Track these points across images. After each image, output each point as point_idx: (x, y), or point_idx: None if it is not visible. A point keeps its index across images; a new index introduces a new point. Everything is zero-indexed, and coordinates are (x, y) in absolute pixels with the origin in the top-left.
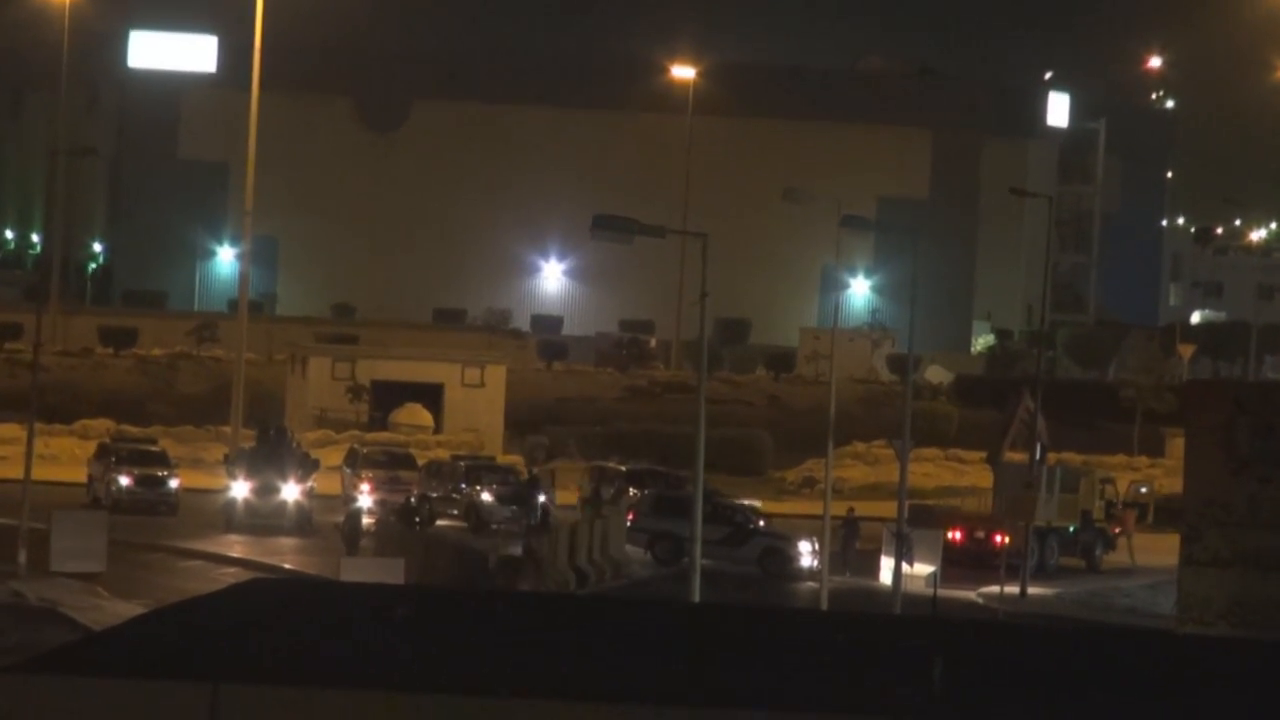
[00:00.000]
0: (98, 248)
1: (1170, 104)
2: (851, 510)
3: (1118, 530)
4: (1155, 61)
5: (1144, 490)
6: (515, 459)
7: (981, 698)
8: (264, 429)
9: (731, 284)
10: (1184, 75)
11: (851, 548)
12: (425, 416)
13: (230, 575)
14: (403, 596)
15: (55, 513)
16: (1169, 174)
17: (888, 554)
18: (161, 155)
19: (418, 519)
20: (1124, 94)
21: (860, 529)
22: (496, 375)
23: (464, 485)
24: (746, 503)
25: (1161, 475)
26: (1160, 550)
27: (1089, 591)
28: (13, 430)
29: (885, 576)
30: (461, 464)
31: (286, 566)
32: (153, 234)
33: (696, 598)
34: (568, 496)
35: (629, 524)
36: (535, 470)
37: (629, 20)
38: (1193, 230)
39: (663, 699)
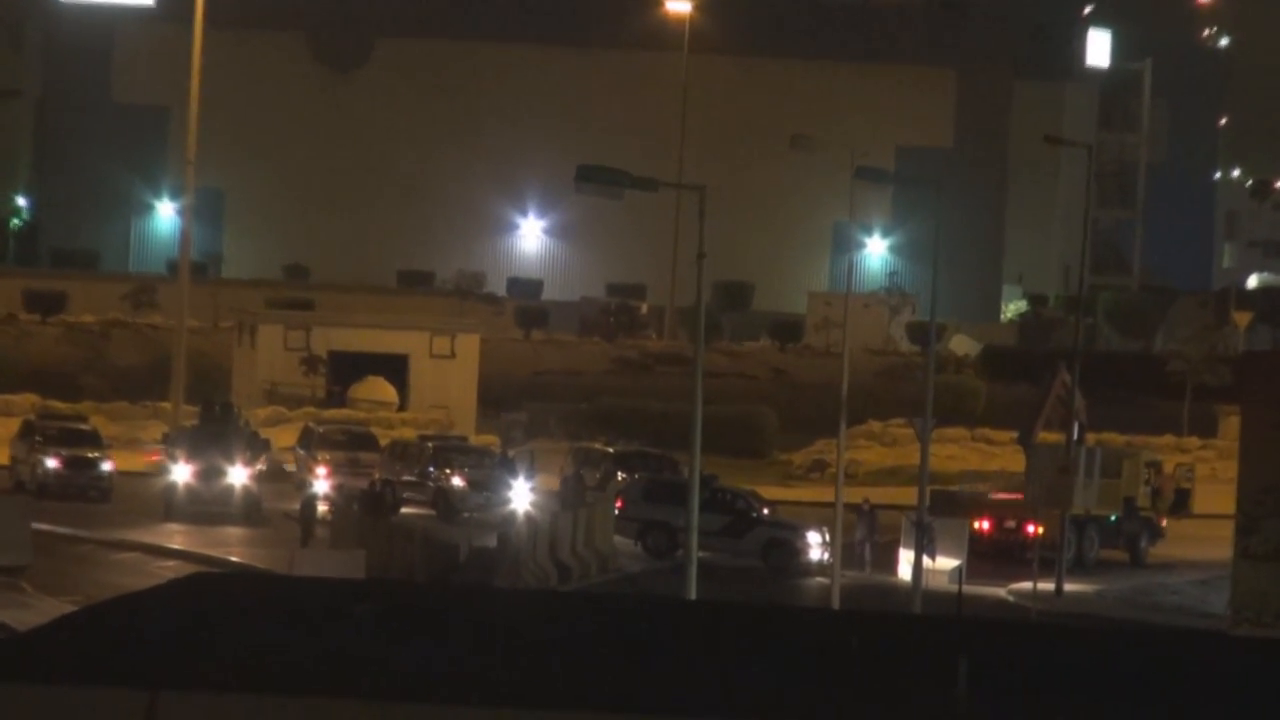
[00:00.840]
0: (22, 202)
1: (1224, 42)
2: (867, 501)
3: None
4: None
5: (1191, 475)
6: (489, 439)
7: (1011, 707)
8: (208, 405)
9: (732, 243)
10: (1239, 9)
11: (872, 542)
12: (389, 391)
13: (169, 569)
14: (363, 593)
15: None
16: (1222, 120)
17: (907, 546)
18: (94, 98)
19: (380, 506)
20: (1172, 31)
21: (879, 520)
22: (468, 345)
23: (432, 469)
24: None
25: (1214, 458)
26: (1209, 541)
27: (1133, 588)
28: None
29: (904, 571)
30: (429, 445)
31: (233, 559)
32: (84, 186)
33: (693, 595)
34: (549, 481)
35: (617, 512)
36: (512, 452)
37: None
38: (1249, 183)
39: (656, 708)
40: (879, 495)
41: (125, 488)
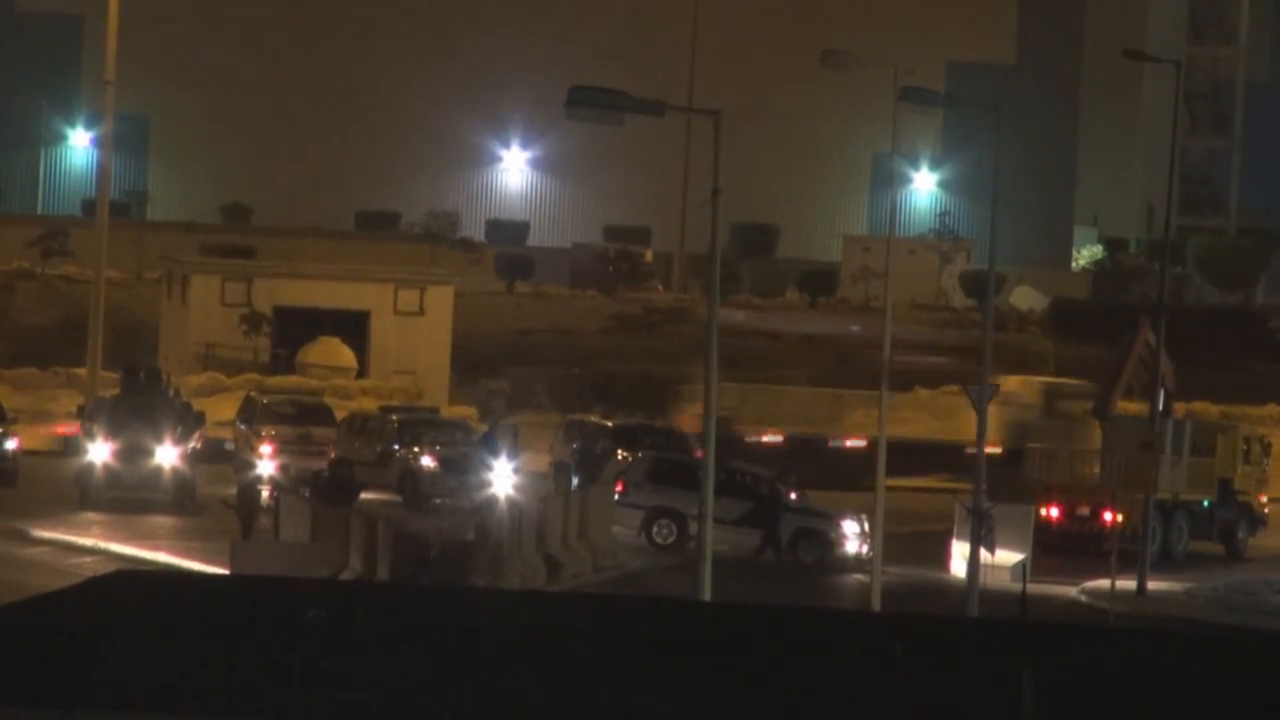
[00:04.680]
0: None
1: None
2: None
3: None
4: None
5: None
6: (465, 411)
7: None
8: (131, 372)
9: (753, 179)
10: None
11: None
12: (345, 355)
13: (86, 566)
14: (314, 595)
15: None
16: None
17: (961, 537)
18: None
19: (336, 491)
20: None
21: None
22: (440, 300)
23: (397, 446)
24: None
25: None
26: None
27: (1229, 586)
28: None
29: (958, 567)
30: (393, 418)
31: (161, 555)
32: None
33: (707, 595)
34: (535, 461)
35: (617, 497)
36: (499, 423)
37: None
38: None
39: None
40: (928, 478)
41: (33, 470)
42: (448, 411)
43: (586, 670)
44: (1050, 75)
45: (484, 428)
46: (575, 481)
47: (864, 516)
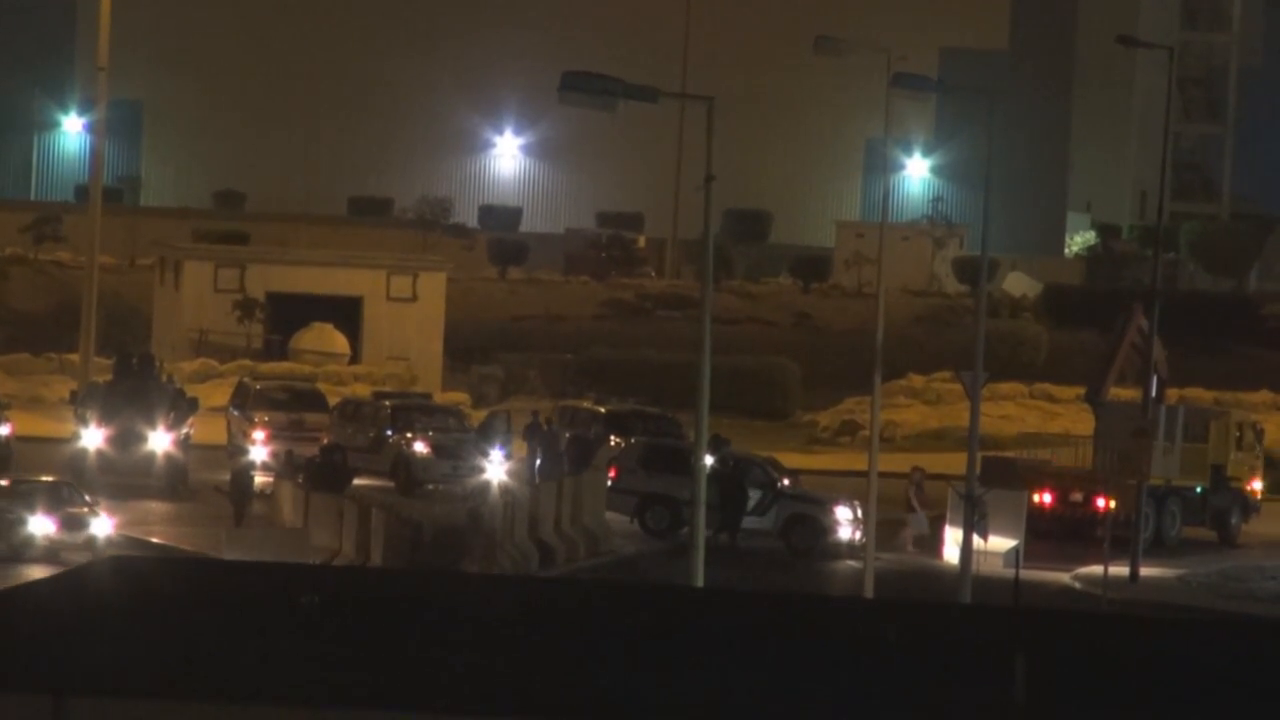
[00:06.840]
0: None
1: None
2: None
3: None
4: None
5: None
6: (459, 397)
7: (1077, 713)
8: (124, 357)
9: (746, 165)
10: None
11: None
12: (338, 341)
13: (78, 552)
14: (307, 579)
15: None
16: None
17: (954, 524)
18: None
19: (329, 477)
20: None
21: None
22: (433, 286)
23: (390, 432)
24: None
25: None
26: None
27: (1222, 573)
28: None
29: (951, 553)
30: (386, 404)
31: (153, 540)
32: None
33: (700, 581)
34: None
35: (610, 483)
36: (494, 411)
37: None
38: None
39: (656, 714)
40: (921, 462)
41: (26, 455)
42: (441, 397)
43: (578, 655)
44: (1043, 61)
45: (480, 414)
46: (537, 466)
47: (857, 502)
